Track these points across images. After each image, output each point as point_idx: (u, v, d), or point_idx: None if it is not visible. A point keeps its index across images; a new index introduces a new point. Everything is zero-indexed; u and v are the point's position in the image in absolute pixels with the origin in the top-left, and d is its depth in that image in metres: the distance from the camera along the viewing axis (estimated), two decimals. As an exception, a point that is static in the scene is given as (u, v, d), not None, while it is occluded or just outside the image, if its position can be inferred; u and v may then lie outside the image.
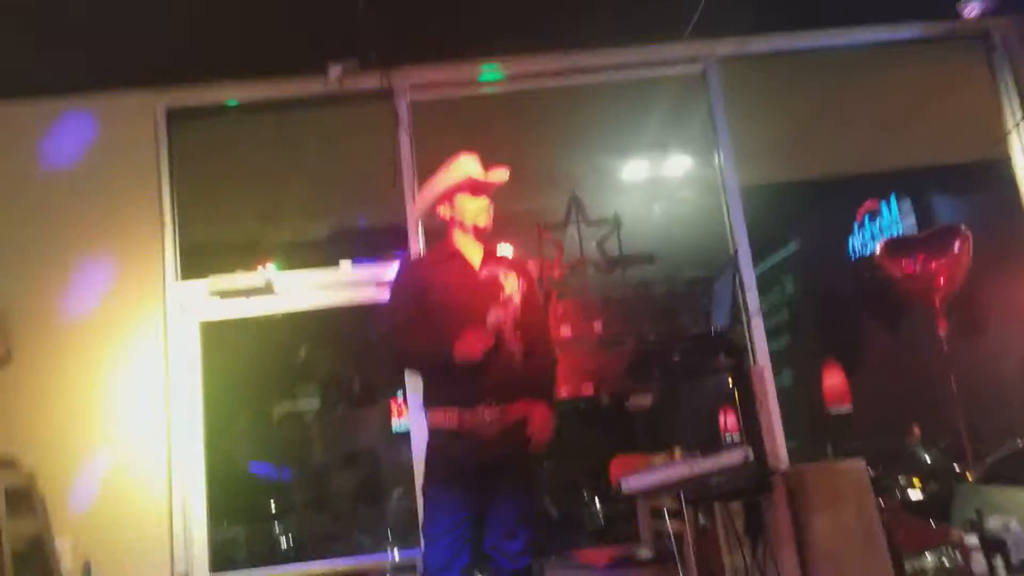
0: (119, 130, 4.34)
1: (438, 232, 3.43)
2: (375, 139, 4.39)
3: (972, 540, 3.79)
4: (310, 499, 13.09)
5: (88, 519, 3.87)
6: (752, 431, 2.85)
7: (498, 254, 3.35)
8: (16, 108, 4.32)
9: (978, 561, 3.75)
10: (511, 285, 3.22)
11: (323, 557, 4.60)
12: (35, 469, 3.84)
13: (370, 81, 4.34)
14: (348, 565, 4.70)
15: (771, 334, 4.36)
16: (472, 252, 3.28)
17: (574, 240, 4.46)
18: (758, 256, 4.50)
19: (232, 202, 5.24)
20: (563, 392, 3.99)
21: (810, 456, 5.15)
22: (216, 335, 4.39)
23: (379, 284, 4.13)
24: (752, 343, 4.17)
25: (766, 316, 4.39)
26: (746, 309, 4.18)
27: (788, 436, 4.17)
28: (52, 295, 4.12)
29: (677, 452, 3.32)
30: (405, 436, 4.35)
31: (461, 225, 3.28)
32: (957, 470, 7.89)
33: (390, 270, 3.69)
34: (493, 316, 3.03)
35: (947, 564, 3.98)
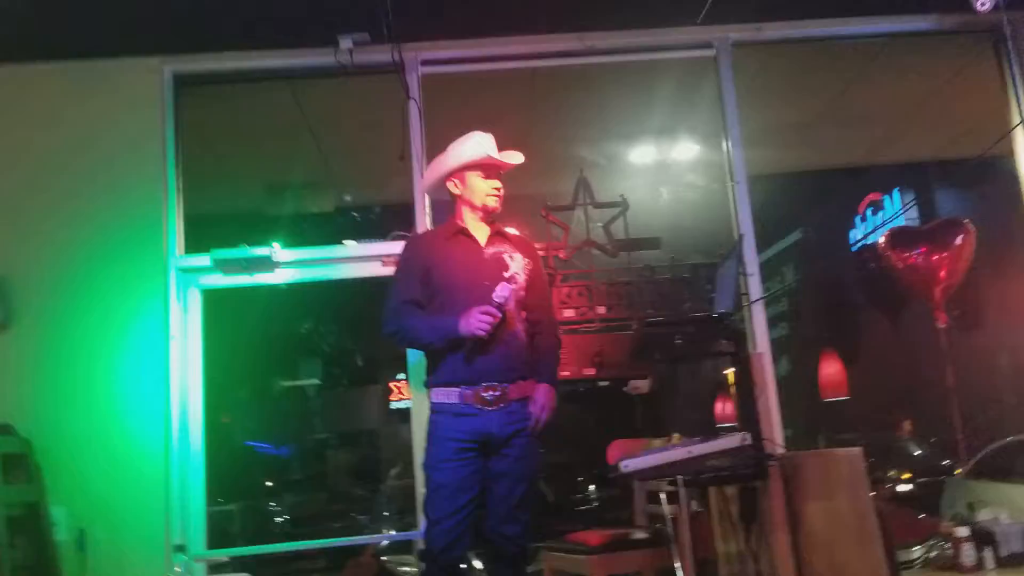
0: (124, 95, 4.30)
1: (445, 208, 3.41)
2: (384, 114, 4.37)
3: (962, 532, 3.81)
4: (307, 476, 13.19)
5: (84, 488, 3.86)
6: (750, 416, 2.86)
7: (505, 234, 3.35)
8: (20, 72, 4.29)
9: (967, 553, 3.78)
10: (516, 264, 3.22)
11: (320, 536, 4.59)
12: (31, 436, 3.85)
13: (381, 55, 4.32)
14: (345, 544, 4.72)
15: (770, 322, 4.37)
16: (478, 231, 3.28)
17: (580, 223, 4.46)
18: (761, 245, 4.50)
19: (237, 173, 5.24)
20: (565, 373, 4.00)
21: (803, 446, 5.19)
22: (218, 308, 4.38)
23: (384, 261, 4.12)
24: (753, 329, 4.19)
25: (767, 305, 4.40)
26: (748, 295, 4.18)
27: (783, 425, 4.18)
28: (52, 262, 4.10)
29: (676, 437, 3.34)
30: (403, 413, 4.35)
31: (470, 204, 3.27)
32: (947, 464, 7.95)
33: (395, 246, 3.68)
34: (500, 290, 3.03)
35: (935, 556, 4.02)
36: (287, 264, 4.28)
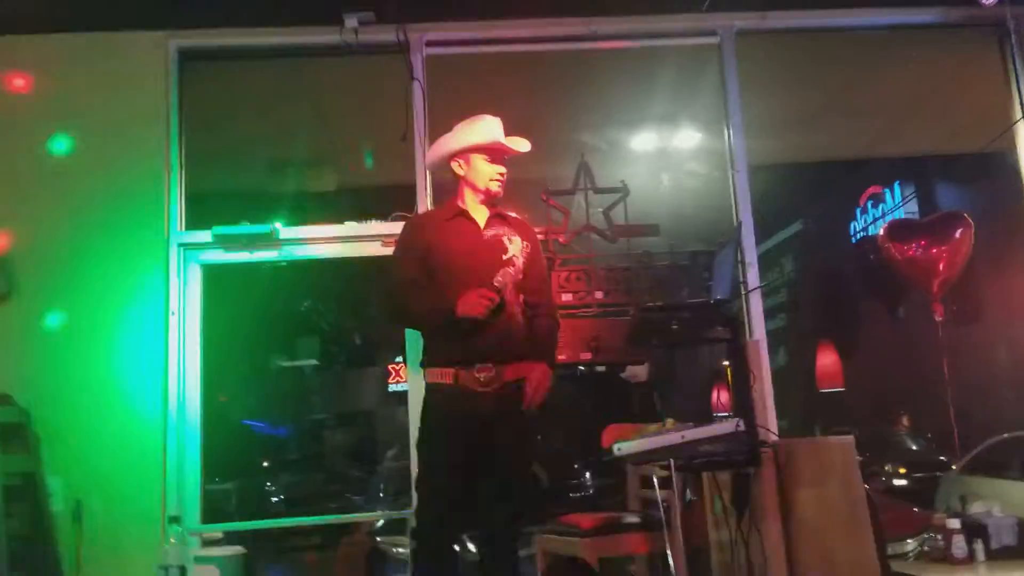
0: (129, 69, 4.30)
1: (447, 189, 3.42)
2: (388, 94, 4.38)
3: (954, 524, 3.83)
4: (304, 457, 13.21)
5: (81, 460, 3.89)
6: (744, 403, 2.87)
7: (505, 216, 3.36)
8: (25, 44, 4.29)
9: (959, 545, 3.80)
10: (515, 247, 3.23)
11: (315, 516, 4.63)
12: (30, 407, 3.86)
13: (386, 34, 4.33)
14: (338, 520, 4.74)
15: (768, 314, 4.39)
16: (478, 213, 3.29)
17: (581, 208, 4.47)
18: (761, 235, 4.51)
19: (240, 150, 5.25)
20: (562, 357, 4.02)
21: (799, 437, 5.21)
22: (217, 285, 4.39)
23: (385, 241, 4.14)
24: (749, 317, 4.21)
25: (765, 296, 4.42)
26: (745, 284, 4.20)
27: (779, 415, 4.21)
28: (54, 234, 4.11)
29: (670, 422, 3.35)
30: (401, 396, 4.36)
31: (473, 186, 3.28)
32: (943, 460, 7.98)
33: (395, 227, 3.69)
34: (500, 276, 3.04)
35: (928, 549, 4.03)
36: (288, 242, 4.29)
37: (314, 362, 13.76)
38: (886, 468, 9.30)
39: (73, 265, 4.09)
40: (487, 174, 3.25)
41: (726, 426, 2.78)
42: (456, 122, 3.37)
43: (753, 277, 4.25)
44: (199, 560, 3.11)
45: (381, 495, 9.80)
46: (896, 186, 8.44)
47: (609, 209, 4.47)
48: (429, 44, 4.43)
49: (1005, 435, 6.09)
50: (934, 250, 5.56)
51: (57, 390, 3.95)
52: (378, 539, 6.48)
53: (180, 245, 4.21)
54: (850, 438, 2.86)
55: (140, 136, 4.24)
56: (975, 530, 3.86)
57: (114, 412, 3.97)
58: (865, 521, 2.85)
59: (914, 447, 9.93)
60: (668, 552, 2.99)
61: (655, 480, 3.43)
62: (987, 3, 4.32)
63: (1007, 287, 5.78)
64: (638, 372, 4.54)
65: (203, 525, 4.05)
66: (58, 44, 4.30)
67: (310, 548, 7.81)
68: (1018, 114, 4.69)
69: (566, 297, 4.26)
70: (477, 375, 3.05)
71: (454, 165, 3.30)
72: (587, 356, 4.18)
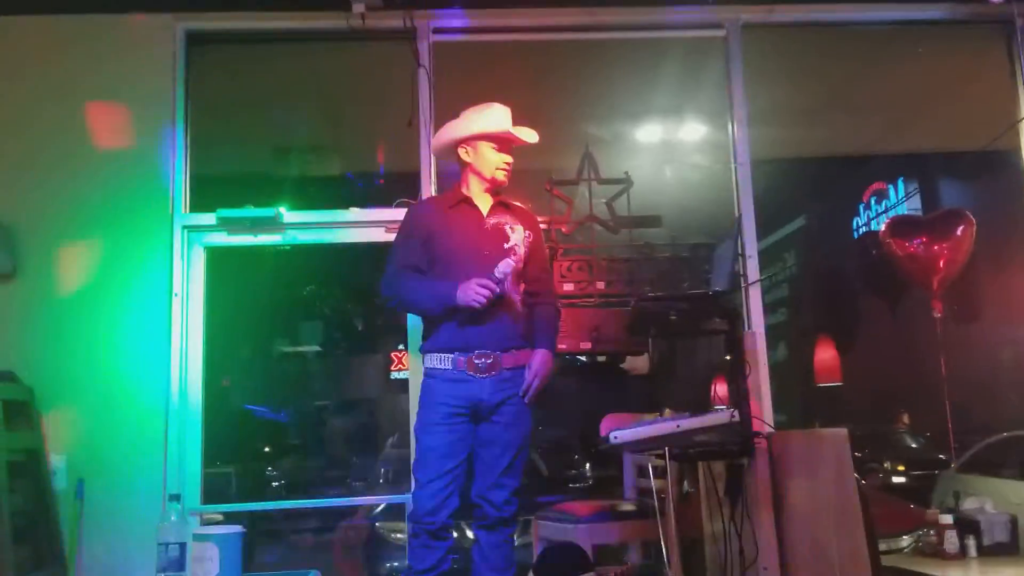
0: (136, 51, 4.31)
1: (452, 178, 3.44)
2: (394, 80, 4.39)
3: (947, 520, 3.86)
4: (305, 442, 13.24)
5: (83, 438, 3.92)
6: (740, 394, 2.89)
7: (508, 205, 3.38)
8: (33, 24, 4.30)
9: (951, 541, 3.82)
10: (517, 236, 3.25)
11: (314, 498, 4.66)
12: (34, 385, 3.90)
13: (393, 20, 4.33)
14: (337, 504, 4.77)
15: (769, 308, 4.41)
16: (481, 200, 3.31)
17: (584, 198, 4.49)
18: (764, 231, 4.53)
19: (246, 133, 5.26)
20: (562, 346, 4.05)
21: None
22: (221, 269, 4.42)
23: (388, 228, 4.16)
24: (748, 309, 4.22)
25: (767, 291, 4.43)
26: (745, 276, 4.22)
27: (778, 410, 4.23)
28: (59, 212, 4.13)
29: (667, 412, 3.37)
30: (403, 384, 4.39)
31: (479, 174, 3.30)
32: (942, 458, 7.99)
33: (399, 213, 3.70)
34: (501, 266, 3.07)
35: (923, 544, 4.06)
36: (292, 226, 4.31)
37: (316, 348, 13.78)
38: (885, 465, 9.31)
39: (78, 244, 4.11)
40: (494, 162, 3.27)
41: (721, 416, 2.80)
42: (461, 109, 3.39)
43: (753, 270, 4.27)
44: (197, 538, 3.13)
45: (381, 481, 9.83)
46: (899, 182, 8.44)
47: (612, 200, 4.49)
48: (436, 31, 4.44)
49: (1004, 434, 6.10)
50: (935, 247, 5.57)
51: (61, 369, 3.97)
52: (377, 524, 6.52)
53: (184, 227, 4.22)
54: (843, 431, 2.88)
55: (146, 118, 4.26)
56: (967, 526, 3.89)
57: (116, 391, 4.00)
58: (856, 513, 2.87)
59: (913, 445, 9.94)
60: (662, 540, 3.01)
61: (651, 468, 3.46)
62: (994, 0, 4.32)
63: (1008, 285, 5.78)
64: (638, 363, 4.56)
65: (203, 505, 4.08)
66: (66, 25, 4.31)
67: (309, 531, 7.85)
68: (1023, 111, 4.70)
69: (568, 287, 4.28)
70: (476, 361, 3.08)
71: (461, 151, 3.32)
72: (587, 346, 4.21)
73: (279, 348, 13.39)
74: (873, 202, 8.91)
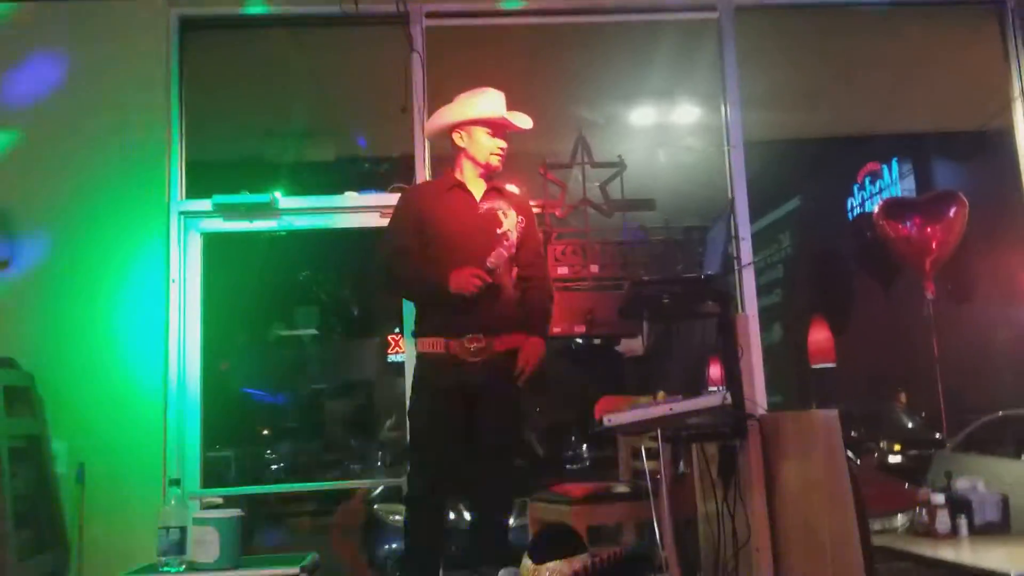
0: (130, 37, 4.31)
1: (446, 163, 3.45)
2: (387, 65, 4.39)
3: (938, 499, 3.88)
4: (303, 425, 13.29)
5: (84, 424, 3.94)
6: (732, 376, 2.91)
7: (501, 190, 3.39)
8: (26, 10, 4.29)
9: (943, 520, 3.85)
10: (510, 222, 3.26)
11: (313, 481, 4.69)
12: (34, 371, 3.91)
13: (386, 5, 4.33)
14: (335, 487, 4.80)
15: (764, 289, 4.43)
16: (475, 185, 3.32)
17: (578, 182, 4.50)
18: (759, 212, 4.54)
19: (240, 119, 5.26)
20: (556, 330, 4.07)
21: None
22: (217, 253, 4.43)
23: (383, 213, 4.17)
24: (741, 292, 4.25)
25: (761, 272, 4.45)
26: (738, 259, 4.24)
27: (774, 392, 4.26)
28: (55, 200, 4.14)
29: (661, 395, 3.40)
30: (400, 367, 4.41)
31: (472, 159, 3.30)
32: (938, 437, 8.04)
33: (394, 198, 3.72)
34: (494, 257, 3.08)
35: (915, 524, 4.09)
36: (287, 211, 4.33)
37: (313, 331, 13.82)
38: (881, 445, 9.36)
39: (75, 232, 4.12)
40: (488, 147, 3.28)
41: (713, 399, 2.82)
42: (455, 94, 3.40)
43: (746, 252, 4.29)
44: (197, 522, 3.17)
45: (379, 464, 9.90)
46: (894, 162, 8.46)
47: (606, 183, 4.50)
48: (429, 15, 4.44)
49: (1000, 413, 6.14)
50: (928, 229, 5.59)
51: (60, 355, 3.99)
52: (375, 507, 6.57)
53: (180, 213, 4.24)
54: (834, 412, 2.90)
55: (141, 104, 4.25)
56: (959, 505, 3.90)
57: (116, 377, 4.02)
58: (847, 494, 2.89)
59: (909, 424, 9.99)
60: (654, 521, 3.05)
61: (644, 449, 3.49)
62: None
63: (1002, 265, 5.81)
64: (634, 346, 4.59)
65: (203, 489, 4.12)
66: (60, 11, 4.29)
67: (305, 514, 7.90)
68: (1016, 91, 4.71)
69: (562, 270, 4.30)
70: (468, 345, 3.11)
71: (455, 136, 3.32)
72: (581, 329, 4.23)
73: (276, 332, 13.43)
74: (867, 182, 8.94)
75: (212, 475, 4.44)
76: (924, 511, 3.95)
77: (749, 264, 4.24)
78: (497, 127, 3.28)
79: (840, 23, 4.97)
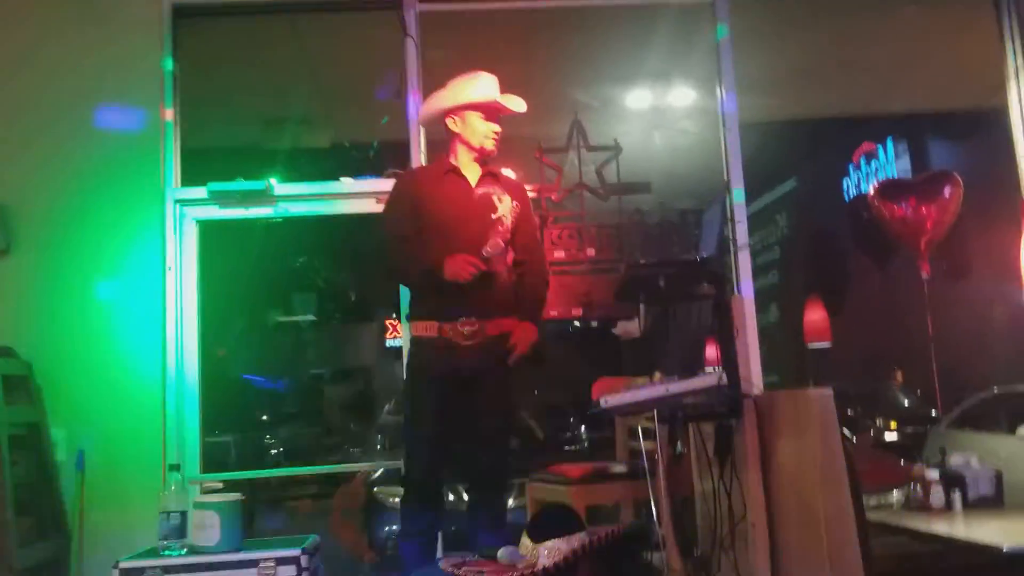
0: (124, 24, 4.30)
1: (442, 148, 3.45)
2: (382, 50, 4.39)
3: (932, 475, 3.92)
4: (303, 410, 13.34)
5: (83, 411, 3.97)
6: (728, 357, 2.93)
7: (497, 175, 3.39)
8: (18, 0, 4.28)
9: (937, 495, 3.88)
10: (504, 207, 3.27)
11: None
12: (32, 359, 3.94)
13: (380, -11, 4.35)
14: (334, 470, 4.83)
15: (761, 270, 4.45)
16: (470, 170, 3.32)
17: (573, 166, 4.51)
18: (755, 193, 4.55)
19: (235, 106, 5.26)
20: (553, 313, 4.09)
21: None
22: (214, 240, 4.44)
23: (379, 199, 4.18)
24: (737, 273, 4.27)
25: (759, 253, 4.47)
26: (734, 241, 4.25)
27: (771, 372, 4.28)
28: (52, 188, 4.15)
29: (657, 375, 3.42)
30: (398, 351, 4.43)
31: (467, 143, 3.30)
32: (933, 415, 8.08)
33: (389, 184, 3.73)
34: (489, 246, 3.09)
35: (910, 500, 4.13)
36: (282, 198, 4.33)
37: (311, 317, 13.83)
38: (877, 423, 9.39)
39: (72, 220, 4.13)
40: (482, 132, 3.28)
41: (709, 379, 2.85)
42: (449, 79, 3.40)
43: (742, 234, 4.30)
44: (198, 506, 3.20)
45: (378, 447, 9.93)
46: (889, 142, 8.45)
47: (601, 167, 4.51)
48: (422, 0, 4.44)
49: (995, 389, 6.18)
50: (923, 209, 5.61)
51: (58, 343, 4.01)
52: (375, 489, 6.60)
53: (176, 201, 4.24)
54: (828, 391, 2.92)
55: (136, 92, 4.25)
56: (953, 480, 3.94)
57: (114, 364, 4.04)
58: (841, 470, 2.91)
59: (905, 402, 10.01)
60: (651, 500, 3.08)
61: (640, 429, 3.51)
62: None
63: (996, 244, 5.83)
64: (631, 328, 4.60)
65: (203, 474, 4.15)
66: (54, 1, 4.29)
67: (306, 497, 7.95)
68: (1011, 71, 4.71)
69: (558, 254, 4.31)
70: (461, 329, 3.12)
71: (449, 121, 3.32)
72: (578, 312, 4.25)
73: (274, 318, 13.45)
74: (863, 162, 8.92)
75: (212, 461, 4.46)
76: (919, 487, 3.99)
77: (744, 246, 4.25)
78: (490, 111, 3.27)
79: (835, 4, 4.97)
